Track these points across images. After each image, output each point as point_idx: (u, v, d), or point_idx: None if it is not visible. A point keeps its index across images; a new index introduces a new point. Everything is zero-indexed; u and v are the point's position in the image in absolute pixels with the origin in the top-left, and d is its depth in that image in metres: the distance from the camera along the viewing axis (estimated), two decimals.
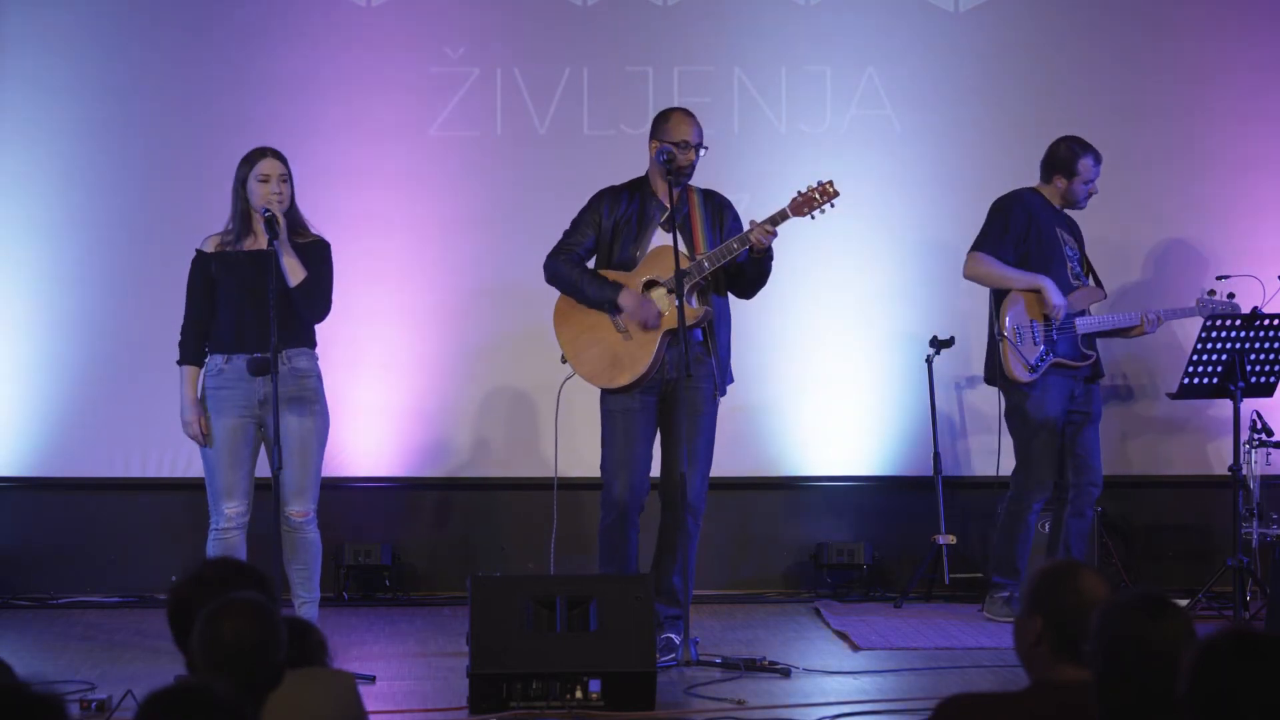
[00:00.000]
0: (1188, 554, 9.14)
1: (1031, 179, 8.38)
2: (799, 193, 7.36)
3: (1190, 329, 8.33)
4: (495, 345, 8.93)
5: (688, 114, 7.46)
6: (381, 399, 8.98)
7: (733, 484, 9.14)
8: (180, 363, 7.28)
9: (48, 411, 8.92)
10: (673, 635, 7.11)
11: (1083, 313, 8.28)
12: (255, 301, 7.08)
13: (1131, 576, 8.96)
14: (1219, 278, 8.66)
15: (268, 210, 7.06)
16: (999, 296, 8.25)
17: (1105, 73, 9.19)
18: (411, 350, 9.02)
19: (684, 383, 7.21)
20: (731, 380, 7.53)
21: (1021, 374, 8.17)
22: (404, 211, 9.02)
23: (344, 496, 9.00)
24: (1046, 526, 8.70)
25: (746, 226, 7.30)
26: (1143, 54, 9.21)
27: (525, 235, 8.53)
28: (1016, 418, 8.29)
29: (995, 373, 8.31)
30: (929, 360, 8.84)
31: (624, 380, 7.34)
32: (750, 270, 7.39)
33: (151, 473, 8.92)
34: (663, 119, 7.46)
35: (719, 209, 7.49)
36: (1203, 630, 3.04)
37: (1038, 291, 8.18)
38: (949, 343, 8.80)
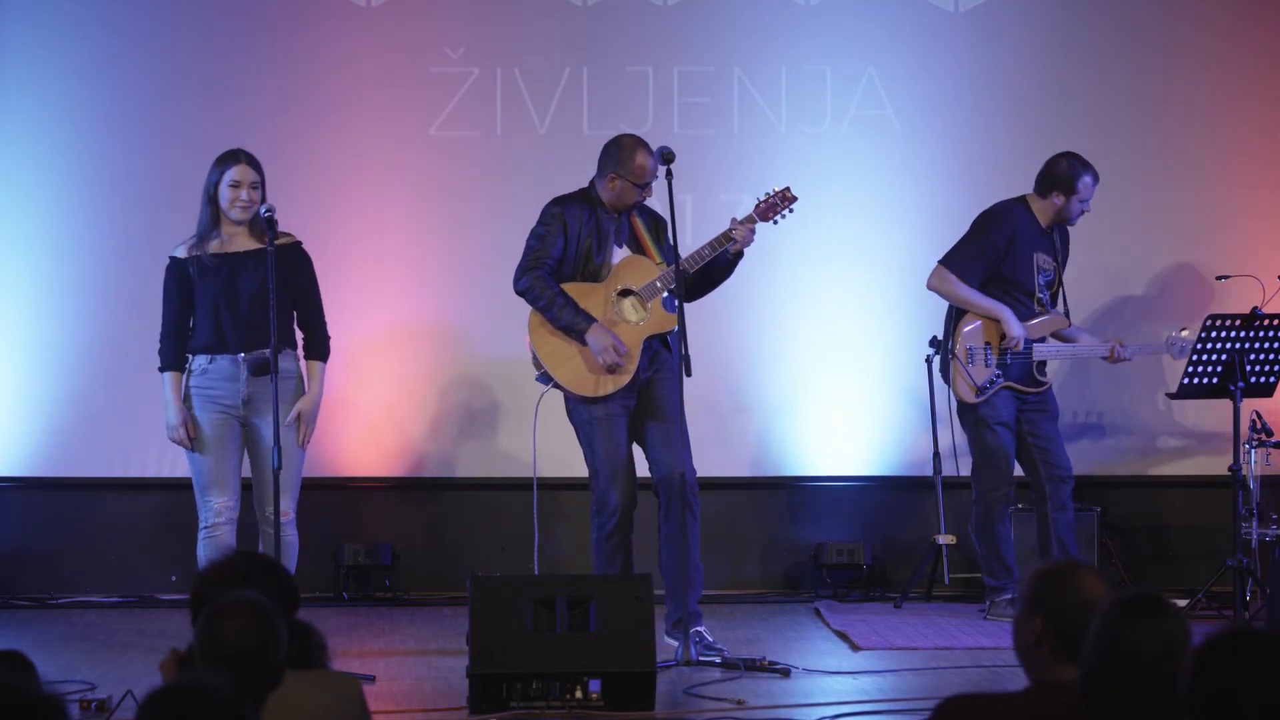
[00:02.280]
0: (1188, 554, 9.14)
1: (1029, 179, 8.38)
2: (759, 200, 7.48)
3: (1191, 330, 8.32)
4: (496, 345, 8.92)
5: (651, 154, 7.35)
6: (381, 399, 8.98)
7: (733, 484, 9.15)
8: (163, 369, 7.31)
9: (47, 412, 8.92)
10: (701, 629, 7.29)
11: (1042, 339, 8.30)
12: (232, 302, 7.16)
13: (1131, 576, 8.96)
14: (1219, 278, 8.66)
15: (268, 210, 7.08)
16: (958, 313, 8.32)
17: (1105, 72, 9.19)
18: (411, 350, 9.02)
19: (659, 381, 7.42)
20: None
21: (967, 395, 8.27)
22: (404, 211, 9.02)
23: (344, 496, 9.01)
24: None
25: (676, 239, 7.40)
26: (1142, 53, 9.21)
27: (526, 235, 8.52)
28: (969, 420, 8.35)
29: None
30: (929, 360, 8.83)
31: (610, 389, 7.37)
32: (719, 274, 7.49)
33: (151, 473, 8.92)
34: (628, 157, 7.38)
35: (655, 224, 7.55)
36: (1202, 631, 3.04)
37: (997, 320, 8.23)
38: None
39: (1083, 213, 8.30)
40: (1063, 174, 8.26)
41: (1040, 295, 8.34)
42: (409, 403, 9.04)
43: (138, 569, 8.98)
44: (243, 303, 7.15)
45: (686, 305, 7.24)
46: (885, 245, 9.12)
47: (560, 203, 7.50)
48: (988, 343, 8.26)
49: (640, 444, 7.52)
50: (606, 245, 7.44)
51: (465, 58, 9.07)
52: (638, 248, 7.48)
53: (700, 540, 7.40)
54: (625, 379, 7.36)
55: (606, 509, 7.39)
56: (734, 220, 7.41)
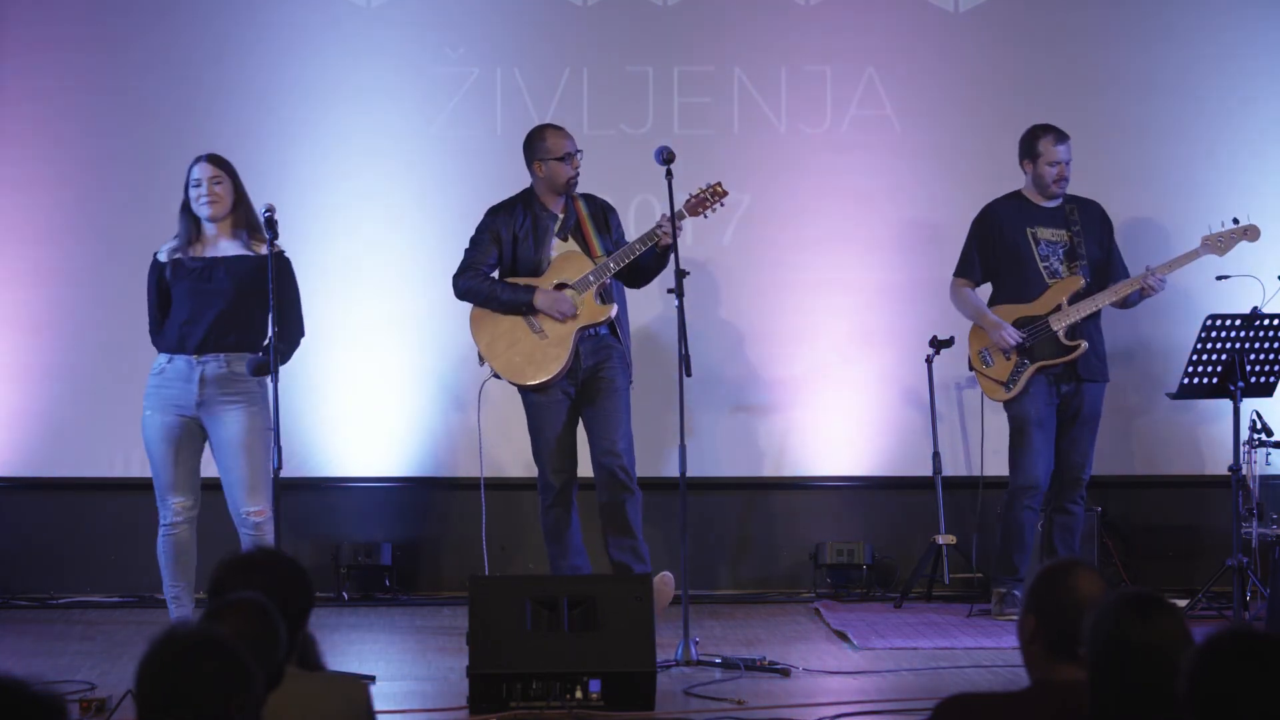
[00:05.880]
0: (1188, 554, 9.14)
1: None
2: (690, 195, 7.80)
3: (1191, 330, 8.31)
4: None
5: (558, 127, 7.91)
6: (381, 399, 8.98)
7: (733, 484, 9.16)
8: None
9: (47, 412, 8.92)
10: None
11: (1056, 308, 8.30)
12: (199, 305, 7.25)
13: (1131, 576, 8.96)
14: (1218, 278, 8.65)
15: (268, 211, 7.13)
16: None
17: (1105, 71, 9.19)
18: (411, 349, 9.02)
19: (604, 368, 7.85)
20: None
21: (998, 394, 8.34)
22: (404, 211, 9.02)
23: (344, 496, 9.01)
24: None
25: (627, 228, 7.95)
26: (1142, 52, 9.20)
27: None
28: (1008, 416, 8.37)
29: None
30: (929, 360, 8.84)
31: (541, 378, 7.84)
32: (652, 265, 7.85)
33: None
34: (538, 139, 7.89)
35: (603, 213, 7.96)
36: (1202, 631, 3.04)
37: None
38: (949, 343, 8.80)
39: (1059, 177, 8.30)
40: (1023, 141, 8.40)
41: (1050, 266, 8.35)
42: (409, 402, 9.04)
43: (138, 569, 8.96)
44: (210, 306, 7.22)
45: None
46: (885, 245, 9.11)
47: (493, 211, 7.96)
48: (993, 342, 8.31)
49: (586, 429, 7.92)
50: (545, 240, 7.85)
51: (465, 58, 9.07)
52: (581, 238, 7.83)
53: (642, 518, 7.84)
54: (554, 368, 7.78)
55: (548, 488, 7.92)
56: (663, 216, 7.55)
